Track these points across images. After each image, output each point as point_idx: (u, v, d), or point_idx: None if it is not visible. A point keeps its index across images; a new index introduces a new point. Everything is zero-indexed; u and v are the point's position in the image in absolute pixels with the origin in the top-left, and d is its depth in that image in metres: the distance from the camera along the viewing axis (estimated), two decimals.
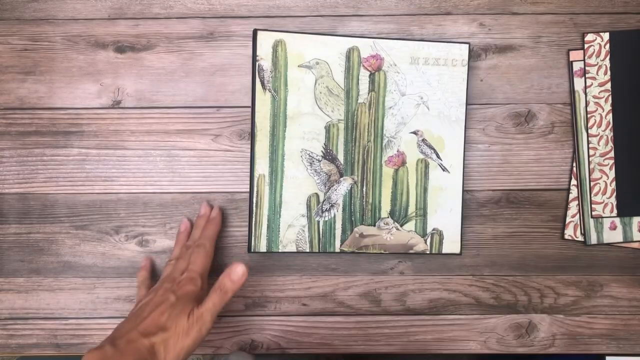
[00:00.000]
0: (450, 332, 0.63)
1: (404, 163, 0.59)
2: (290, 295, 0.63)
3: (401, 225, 0.59)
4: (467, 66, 0.59)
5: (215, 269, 0.62)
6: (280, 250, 0.58)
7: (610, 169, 0.61)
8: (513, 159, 0.63)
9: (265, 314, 0.63)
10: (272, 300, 0.63)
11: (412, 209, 0.59)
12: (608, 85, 0.60)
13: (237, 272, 0.52)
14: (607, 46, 0.60)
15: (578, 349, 0.62)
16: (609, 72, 0.61)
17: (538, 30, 0.63)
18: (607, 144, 0.60)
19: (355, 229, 0.59)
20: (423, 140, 0.59)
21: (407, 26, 0.62)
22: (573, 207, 0.61)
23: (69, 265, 0.63)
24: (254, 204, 0.57)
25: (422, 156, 0.59)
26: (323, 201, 0.58)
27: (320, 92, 0.57)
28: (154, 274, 0.62)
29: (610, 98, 0.60)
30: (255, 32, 0.55)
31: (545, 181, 0.63)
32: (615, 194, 0.61)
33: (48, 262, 0.63)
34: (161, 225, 0.63)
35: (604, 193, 0.61)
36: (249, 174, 0.61)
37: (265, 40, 0.56)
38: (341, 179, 0.58)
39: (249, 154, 0.61)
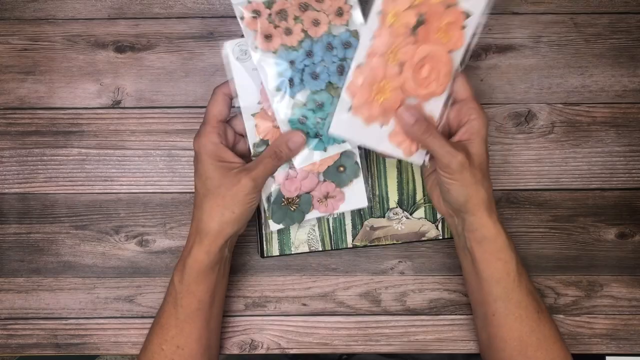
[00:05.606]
0: (450, 332, 0.63)
1: None
2: (290, 295, 0.63)
3: (411, 214, 0.59)
4: None
5: None
6: (293, 252, 0.58)
7: None
8: (513, 159, 0.63)
9: (265, 314, 0.63)
10: (272, 300, 0.63)
11: (419, 196, 0.59)
12: None
13: (295, 140, 0.50)
14: None
15: (578, 349, 0.62)
16: None
17: (538, 30, 0.63)
18: None
19: (366, 223, 0.59)
20: None
21: None
22: None
23: (69, 265, 0.63)
24: (261, 209, 0.57)
25: None
26: None
27: None
28: (150, 274, 0.62)
29: None
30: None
31: (545, 181, 0.63)
32: None
33: (48, 262, 0.63)
34: (161, 225, 0.63)
35: None
36: None
37: None
38: None
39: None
